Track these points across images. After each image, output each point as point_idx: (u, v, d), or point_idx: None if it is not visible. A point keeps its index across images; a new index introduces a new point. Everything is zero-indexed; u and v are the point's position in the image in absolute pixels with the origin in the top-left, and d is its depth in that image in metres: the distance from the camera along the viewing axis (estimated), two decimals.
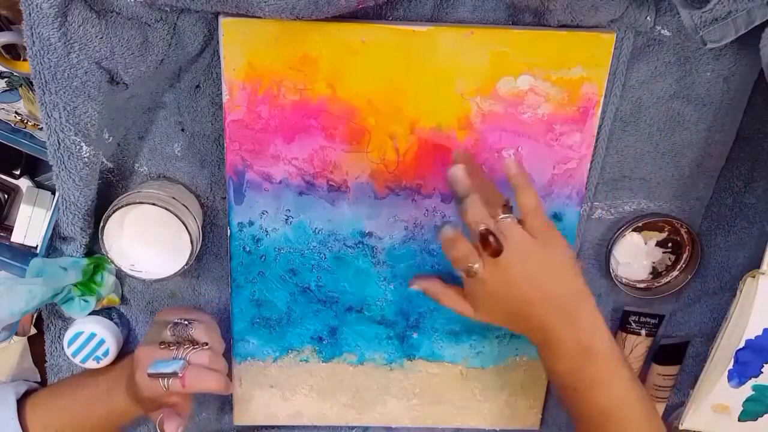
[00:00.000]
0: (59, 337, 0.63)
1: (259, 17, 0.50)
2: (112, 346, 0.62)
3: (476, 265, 0.51)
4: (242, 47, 0.53)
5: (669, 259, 0.67)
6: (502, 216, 0.51)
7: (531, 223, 0.51)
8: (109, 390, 0.60)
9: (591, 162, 0.60)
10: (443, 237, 0.52)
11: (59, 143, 0.51)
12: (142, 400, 0.56)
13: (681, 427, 0.64)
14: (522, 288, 0.51)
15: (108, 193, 0.59)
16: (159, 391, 0.54)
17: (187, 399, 0.57)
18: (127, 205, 0.54)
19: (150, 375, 0.54)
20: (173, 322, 0.57)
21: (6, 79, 0.57)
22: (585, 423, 0.55)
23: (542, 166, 0.59)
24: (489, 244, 0.50)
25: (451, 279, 0.64)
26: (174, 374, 0.53)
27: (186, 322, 0.57)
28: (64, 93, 0.49)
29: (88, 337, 0.61)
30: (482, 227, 0.50)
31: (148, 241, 0.57)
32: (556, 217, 0.62)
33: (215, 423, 0.71)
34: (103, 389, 0.61)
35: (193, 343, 0.56)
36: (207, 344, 0.57)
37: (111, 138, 0.56)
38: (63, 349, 0.62)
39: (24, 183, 0.62)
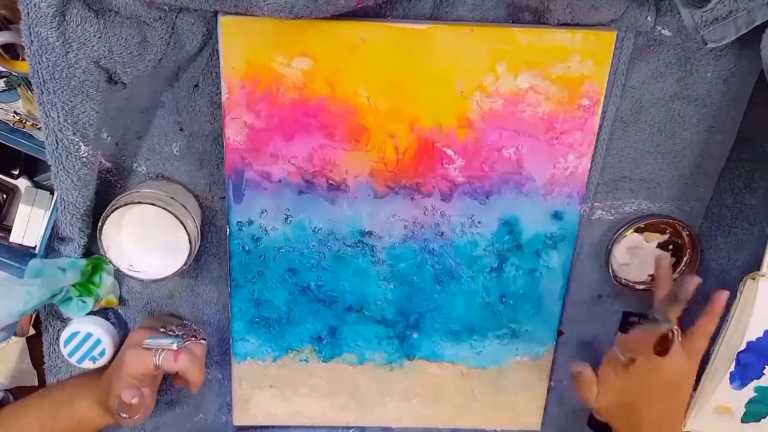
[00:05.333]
0: (57, 338, 0.63)
1: (258, 16, 0.50)
2: (108, 347, 0.62)
3: (640, 357, 0.55)
4: (241, 46, 0.53)
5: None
6: (676, 327, 0.54)
7: (697, 345, 0.56)
8: (72, 398, 0.61)
9: (591, 161, 0.60)
10: (627, 342, 0.57)
11: (58, 143, 0.51)
12: (108, 399, 0.57)
13: (684, 429, 0.63)
14: (657, 391, 0.55)
15: (106, 193, 0.59)
16: (147, 367, 0.57)
17: (151, 401, 0.60)
18: (125, 204, 0.54)
19: (146, 346, 0.57)
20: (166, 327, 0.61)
21: (4, 79, 0.56)
22: None
23: (543, 165, 0.59)
24: (668, 345, 0.53)
25: (449, 279, 0.64)
26: (170, 347, 0.57)
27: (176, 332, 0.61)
28: (63, 92, 0.48)
29: (84, 337, 0.61)
30: (676, 327, 0.53)
31: (147, 241, 0.57)
32: (557, 216, 0.61)
33: (214, 423, 0.71)
34: (66, 397, 0.61)
35: (189, 335, 0.60)
36: (204, 339, 0.60)
37: (109, 138, 0.56)
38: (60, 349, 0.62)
39: (23, 183, 0.62)
